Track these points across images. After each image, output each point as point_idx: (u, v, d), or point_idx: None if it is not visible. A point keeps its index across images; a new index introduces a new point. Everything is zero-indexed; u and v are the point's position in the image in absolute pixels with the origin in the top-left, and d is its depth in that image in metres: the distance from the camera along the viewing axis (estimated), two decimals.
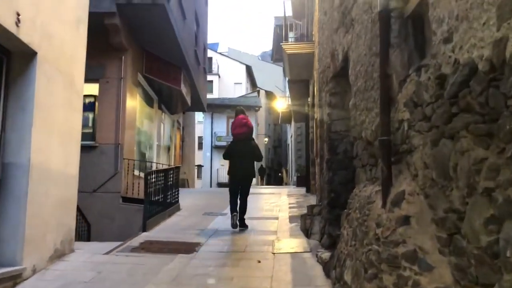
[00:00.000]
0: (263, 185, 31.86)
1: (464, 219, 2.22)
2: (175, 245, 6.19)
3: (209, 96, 34.31)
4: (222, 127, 32.06)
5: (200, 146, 33.83)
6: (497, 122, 1.84)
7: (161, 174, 8.24)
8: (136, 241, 6.39)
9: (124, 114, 9.93)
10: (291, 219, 8.19)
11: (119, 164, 9.72)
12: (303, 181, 16.71)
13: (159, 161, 13.90)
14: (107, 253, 5.64)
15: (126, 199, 9.63)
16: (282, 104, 24.98)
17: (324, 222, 6.17)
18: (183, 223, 7.97)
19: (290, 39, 13.34)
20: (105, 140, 9.83)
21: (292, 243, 6.18)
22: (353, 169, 5.97)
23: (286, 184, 32.36)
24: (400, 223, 3.17)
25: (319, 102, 8.14)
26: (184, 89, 13.56)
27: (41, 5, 4.67)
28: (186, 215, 8.89)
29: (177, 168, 9.76)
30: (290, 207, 9.88)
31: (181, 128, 18.37)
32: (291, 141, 27.22)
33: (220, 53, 43.60)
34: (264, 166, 34.07)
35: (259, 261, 5.17)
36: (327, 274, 4.67)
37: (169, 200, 8.74)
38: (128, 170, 9.80)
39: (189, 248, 5.97)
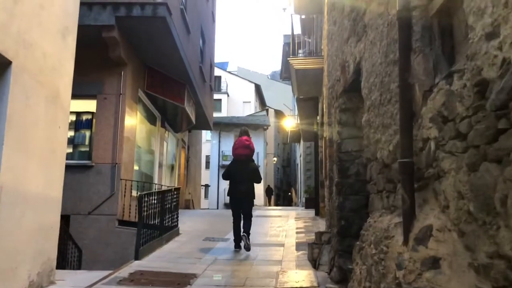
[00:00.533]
0: (270, 205, 31.14)
1: None
2: (168, 276, 5.59)
3: (217, 114, 33.99)
4: (230, 146, 31.40)
5: (208, 166, 33.30)
6: None
7: (157, 196, 7.67)
8: (125, 271, 5.79)
9: (123, 132, 9.43)
10: (298, 246, 7.55)
11: (116, 184, 9.18)
12: (312, 203, 16.03)
13: (162, 181, 13.35)
14: (91, 286, 5.05)
15: (122, 222, 9.06)
16: (291, 122, 24.45)
17: (334, 253, 5.54)
18: (180, 250, 7.36)
19: (299, 55, 12.87)
20: (102, 159, 9.32)
21: (298, 276, 5.54)
22: (367, 194, 5.36)
23: (295, 204, 31.59)
24: (427, 266, 2.57)
25: (328, 119, 7.57)
26: (188, 107, 13.08)
27: (17, 9, 4.19)
28: (185, 240, 8.28)
29: (177, 189, 9.18)
30: (297, 232, 9.24)
31: (186, 147, 17.87)
32: (300, 160, 26.59)
33: (229, 72, 43.41)
34: (271, 186, 33.40)
35: None
36: None
37: (166, 224, 8.15)
38: (125, 191, 9.25)
39: (183, 280, 5.36)
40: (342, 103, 5.61)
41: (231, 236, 7.73)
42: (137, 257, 6.43)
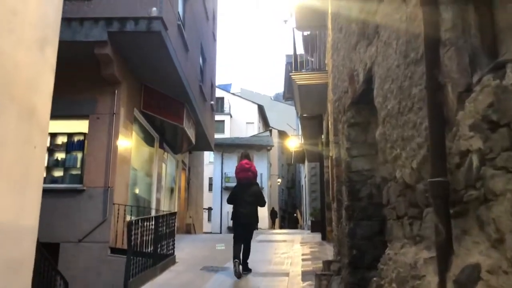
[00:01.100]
0: (274, 228, 30.33)
1: None
2: None
3: (220, 136, 33.52)
4: (233, 167, 30.83)
5: (211, 188, 32.65)
6: None
7: (151, 222, 7.07)
8: None
9: (116, 153, 8.89)
10: (305, 275, 6.88)
11: (108, 209, 8.58)
12: (318, 226, 15.33)
13: (161, 205, 12.73)
14: None
15: (115, 250, 8.41)
16: (294, 143, 23.89)
17: (345, 286, 4.90)
18: (175, 281, 6.72)
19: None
20: (94, 183, 8.75)
21: None
22: (381, 219, 4.74)
23: (300, 227, 30.75)
24: None
25: (334, 137, 7.00)
26: (187, 126, 12.56)
27: None
28: (181, 270, 7.63)
29: (173, 214, 8.57)
30: (303, 259, 8.56)
31: (186, 168, 17.29)
32: (305, 182, 25.92)
33: (232, 93, 43.14)
34: (275, 209, 32.66)
35: None
36: None
37: (161, 252, 7.52)
38: (118, 217, 8.64)
39: None
40: (350, 117, 5.04)
41: (231, 264, 7.10)
42: None
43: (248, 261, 7.31)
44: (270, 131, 38.30)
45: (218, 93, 33.38)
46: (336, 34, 6.03)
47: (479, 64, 2.16)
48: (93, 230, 8.54)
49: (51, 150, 9.22)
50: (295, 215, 37.41)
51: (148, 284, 6.38)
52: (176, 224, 13.90)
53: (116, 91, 9.08)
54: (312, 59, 15.50)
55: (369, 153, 4.90)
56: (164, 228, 7.77)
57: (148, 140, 11.89)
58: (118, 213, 8.67)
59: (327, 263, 5.94)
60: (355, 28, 4.56)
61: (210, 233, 27.68)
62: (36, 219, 4.75)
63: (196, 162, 19.65)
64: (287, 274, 7.14)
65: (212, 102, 18.13)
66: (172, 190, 15.07)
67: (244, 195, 7.08)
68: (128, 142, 9.64)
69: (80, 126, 9.16)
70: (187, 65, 11.71)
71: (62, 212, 8.55)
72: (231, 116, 40.50)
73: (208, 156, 31.93)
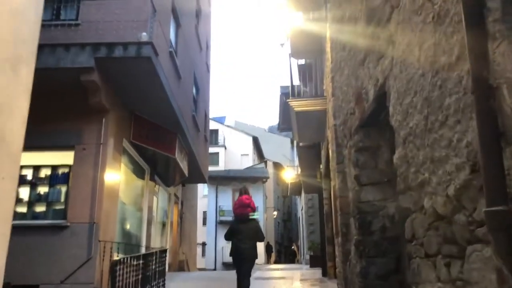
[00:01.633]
0: (270, 263, 29.35)
1: None
2: None
3: (215, 168, 32.88)
4: (227, 200, 30.16)
5: (205, 222, 31.77)
6: None
7: (138, 261, 6.43)
8: None
9: (103, 186, 8.30)
10: None
11: (94, 247, 7.93)
12: (318, 261, 14.62)
13: (151, 241, 12.04)
14: None
15: None
16: (290, 174, 23.33)
17: None
18: None
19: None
20: (78, 218, 8.12)
21: None
22: (397, 256, 4.18)
23: (297, 261, 29.78)
24: None
25: (337, 165, 6.48)
26: (180, 158, 12.02)
27: None
28: None
29: (163, 251, 7.92)
30: None
31: (179, 202, 16.63)
32: (302, 214, 25.22)
33: (226, 125, 42.80)
34: (271, 242, 31.75)
35: None
36: None
37: None
38: (104, 255, 7.97)
39: None
40: (358, 141, 4.55)
41: None
42: None
43: None
44: (265, 162, 37.78)
45: (212, 125, 33.02)
46: (339, 53, 5.61)
47: None
48: (76, 270, 7.85)
49: (33, 183, 8.63)
50: (292, 247, 36.40)
51: None
52: (167, 261, 13.17)
53: (103, 120, 8.58)
54: (307, 90, 15.16)
55: (380, 180, 4.39)
56: (154, 267, 7.12)
57: (138, 172, 11.32)
58: (104, 251, 8.00)
59: None
60: (363, 42, 4.12)
61: (204, 269, 26.70)
62: (3, 258, 4.16)
63: (189, 195, 19.00)
64: None
65: (206, 134, 17.67)
66: (164, 225, 14.37)
67: (243, 231, 6.99)
68: (116, 174, 9.07)
69: (65, 157, 8.60)
70: (180, 94, 11.28)
71: (43, 250, 7.90)
72: (225, 148, 40.01)
73: (202, 189, 31.20)
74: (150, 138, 10.57)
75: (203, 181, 17.98)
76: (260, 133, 44.79)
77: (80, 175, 8.38)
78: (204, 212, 31.72)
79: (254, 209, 7.26)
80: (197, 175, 16.00)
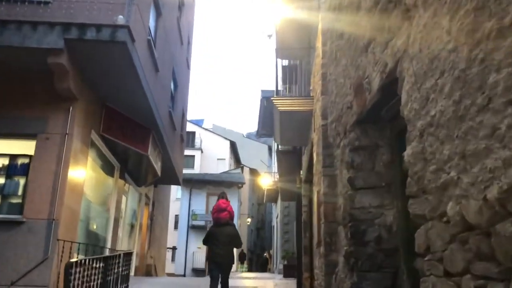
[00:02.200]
0: (242, 270, 28.68)
1: None
2: None
3: (190, 171, 32.05)
4: (201, 204, 29.40)
5: (177, 226, 30.89)
6: None
7: (98, 264, 5.77)
8: None
9: (66, 180, 7.59)
10: None
11: (51, 246, 7.21)
12: (292, 271, 14.10)
13: (118, 243, 11.30)
14: None
15: None
16: (267, 180, 22.79)
17: None
18: None
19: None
20: (36, 214, 7.38)
21: None
22: (394, 271, 3.66)
23: (269, 270, 29.17)
24: None
25: (323, 168, 5.97)
26: (153, 156, 11.34)
27: None
28: None
29: (128, 254, 7.24)
30: None
31: (150, 203, 15.88)
32: (277, 222, 24.69)
33: (203, 128, 42.08)
34: (244, 251, 31.10)
35: None
36: None
37: None
38: (62, 256, 7.24)
39: None
40: (354, 139, 4.03)
41: None
42: None
43: None
44: (242, 168, 37.17)
45: (190, 127, 32.23)
46: (334, 43, 5.10)
47: None
48: (30, 270, 7.10)
49: None
50: (265, 255, 35.75)
51: None
52: (134, 265, 12.42)
53: (71, 109, 7.88)
54: (292, 94, 14.68)
55: (378, 184, 3.88)
56: (117, 270, 6.44)
57: (107, 168, 10.59)
58: (63, 251, 7.27)
59: None
60: (367, 26, 3.62)
61: (173, 274, 25.83)
62: None
63: (161, 197, 18.25)
64: None
65: (182, 133, 17.00)
66: (132, 226, 13.62)
67: (220, 235, 7.02)
68: (82, 169, 8.35)
69: (26, 147, 7.85)
70: (157, 87, 10.63)
71: None
72: (202, 152, 39.25)
73: (176, 192, 30.37)
74: (122, 133, 9.87)
75: (177, 183, 17.27)
76: (237, 138, 44.20)
77: (41, 167, 7.65)
78: (176, 216, 30.87)
79: (231, 214, 7.32)
80: (170, 176, 15.30)
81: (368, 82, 3.54)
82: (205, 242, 7.30)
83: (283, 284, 12.18)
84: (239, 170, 36.04)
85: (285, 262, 15.99)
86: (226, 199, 7.62)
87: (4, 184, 7.81)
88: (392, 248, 3.66)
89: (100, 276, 5.78)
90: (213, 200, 30.38)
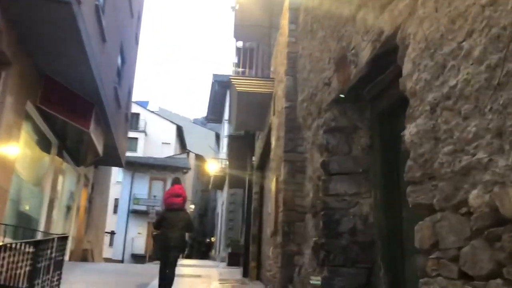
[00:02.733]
0: (183, 257, 28.05)
1: None
2: None
3: (132, 154, 30.85)
4: (144, 189, 28.41)
5: (116, 210, 29.70)
6: None
7: (26, 249, 5.07)
8: None
9: None
10: None
11: None
12: (237, 259, 13.75)
13: (52, 225, 10.41)
14: None
15: None
16: (214, 166, 22.27)
17: None
18: None
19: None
20: None
21: None
22: (370, 266, 3.32)
23: (211, 257, 28.76)
24: None
25: (284, 153, 5.57)
26: (95, 133, 10.51)
27: None
28: None
29: (63, 239, 6.53)
30: None
31: (90, 184, 14.93)
32: (222, 209, 24.28)
33: (149, 110, 40.72)
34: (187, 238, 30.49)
35: None
36: None
37: None
38: None
39: None
40: (330, 120, 3.63)
41: None
42: None
43: None
44: (188, 153, 36.36)
45: (134, 108, 30.91)
46: (309, 14, 4.67)
47: None
48: None
49: None
50: (208, 240, 35.32)
51: None
52: (69, 249, 11.57)
53: (2, 74, 6.97)
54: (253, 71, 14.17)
55: (355, 170, 3.52)
56: (49, 256, 5.74)
57: (43, 144, 9.67)
58: None
59: None
60: None
61: (111, 259, 24.80)
62: None
63: (101, 179, 17.26)
64: None
65: (128, 112, 16.08)
66: (69, 209, 12.70)
67: (174, 220, 7.02)
68: (13, 143, 7.47)
69: None
70: (103, 60, 9.78)
71: None
72: (146, 134, 37.98)
73: (117, 175, 29.12)
74: (62, 106, 8.99)
75: (119, 164, 16.35)
76: (184, 123, 43.18)
77: None
78: (116, 199, 29.66)
79: (185, 199, 7.34)
80: (113, 157, 14.38)
81: (354, 54, 3.14)
82: (157, 226, 7.32)
83: (228, 273, 11.80)
84: (184, 155, 35.23)
85: (230, 250, 15.61)
86: (181, 184, 7.69)
87: None
88: (368, 241, 3.33)
89: (29, 262, 5.08)
90: (157, 185, 29.57)
